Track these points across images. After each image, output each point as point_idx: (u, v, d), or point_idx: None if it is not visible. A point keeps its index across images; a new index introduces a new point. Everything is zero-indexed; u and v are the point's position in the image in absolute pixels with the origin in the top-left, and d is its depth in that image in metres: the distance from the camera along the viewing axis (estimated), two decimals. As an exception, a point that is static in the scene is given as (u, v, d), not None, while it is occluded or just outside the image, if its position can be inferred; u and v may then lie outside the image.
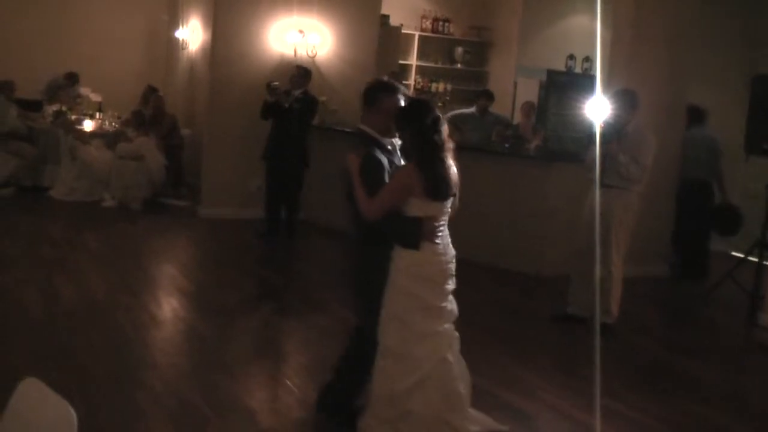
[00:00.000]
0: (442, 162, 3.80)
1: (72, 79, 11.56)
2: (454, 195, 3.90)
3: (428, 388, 3.84)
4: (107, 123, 11.28)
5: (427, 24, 12.88)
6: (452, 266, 3.95)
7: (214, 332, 5.83)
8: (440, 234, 3.86)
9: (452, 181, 3.84)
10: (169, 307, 6.48)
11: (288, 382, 4.98)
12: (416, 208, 3.78)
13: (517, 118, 10.71)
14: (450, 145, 3.87)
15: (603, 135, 6.20)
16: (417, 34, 12.79)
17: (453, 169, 3.86)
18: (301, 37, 9.88)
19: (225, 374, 4.99)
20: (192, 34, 11.99)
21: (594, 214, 6.36)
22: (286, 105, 8.55)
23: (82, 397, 4.33)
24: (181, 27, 12.49)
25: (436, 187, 3.76)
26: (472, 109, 10.16)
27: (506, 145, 9.29)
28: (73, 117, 11.10)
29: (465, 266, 8.15)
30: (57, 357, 5.00)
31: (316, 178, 9.30)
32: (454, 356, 3.96)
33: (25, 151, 10.54)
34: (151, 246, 8.58)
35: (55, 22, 12.27)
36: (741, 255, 8.01)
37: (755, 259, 7.55)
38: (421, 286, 3.84)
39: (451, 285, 3.97)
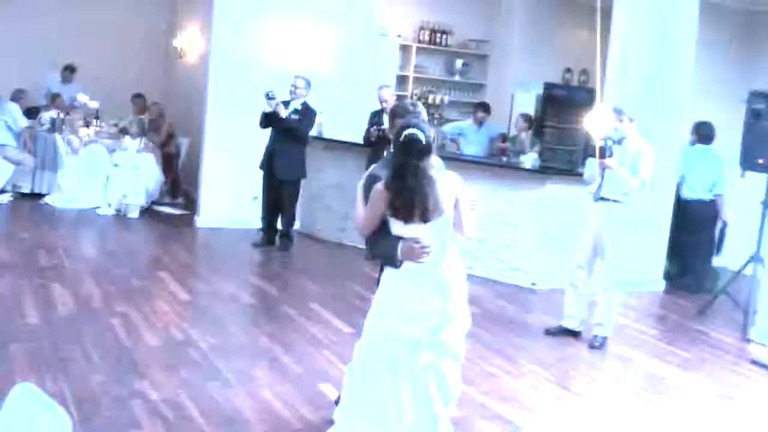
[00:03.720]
0: (410, 183, 3.61)
1: (69, 70, 11.62)
2: (437, 216, 3.67)
3: (366, 392, 3.76)
4: (104, 130, 11.29)
5: (425, 36, 12.92)
6: (426, 289, 3.72)
7: (209, 341, 5.82)
8: (425, 255, 3.69)
9: (429, 204, 3.63)
10: (165, 316, 6.47)
11: (283, 394, 4.98)
12: (395, 227, 3.71)
13: (514, 131, 10.74)
14: (432, 161, 3.72)
15: (602, 149, 6.22)
16: (415, 45, 12.83)
17: (435, 189, 3.66)
18: (299, 47, 9.90)
19: (220, 383, 4.99)
20: (190, 42, 12.01)
21: (592, 228, 6.38)
22: (283, 115, 8.56)
23: (77, 404, 4.33)
24: (179, 35, 12.52)
25: (399, 210, 3.65)
26: (469, 121, 10.19)
27: (502, 158, 9.32)
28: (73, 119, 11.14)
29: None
30: (52, 363, 4.99)
31: (313, 189, 9.32)
32: (395, 385, 3.70)
33: (23, 157, 10.56)
34: (147, 254, 8.58)
35: (52, 29, 12.28)
36: (735, 269, 8.02)
37: (749, 274, 7.56)
38: (390, 309, 3.75)
39: (418, 308, 3.73)
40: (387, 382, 3.73)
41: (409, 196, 3.62)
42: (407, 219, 3.66)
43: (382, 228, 3.77)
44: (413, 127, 3.66)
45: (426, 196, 3.62)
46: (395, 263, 3.74)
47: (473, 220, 3.85)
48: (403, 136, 3.66)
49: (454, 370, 3.84)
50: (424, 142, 3.64)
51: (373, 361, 3.78)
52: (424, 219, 3.65)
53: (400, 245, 3.69)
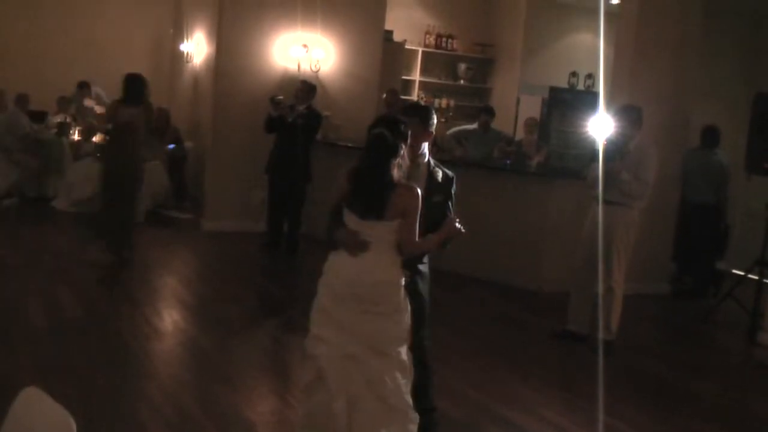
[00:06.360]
0: (365, 178, 3.71)
1: (83, 87, 11.68)
2: (381, 219, 3.67)
3: (315, 392, 3.74)
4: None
5: (431, 40, 12.94)
6: (353, 291, 3.68)
7: (214, 344, 5.84)
8: (359, 249, 3.70)
9: (374, 204, 3.67)
10: (170, 318, 6.49)
11: (287, 396, 4.99)
12: (345, 214, 3.79)
13: (520, 135, 10.74)
14: (403, 161, 3.71)
15: (606, 152, 6.21)
16: (420, 49, 12.85)
17: (387, 193, 3.65)
18: (305, 52, 9.92)
19: (225, 386, 5.00)
20: (196, 47, 12.05)
21: (595, 231, 6.37)
22: (290, 119, 8.58)
23: (83, 406, 4.33)
24: (185, 40, 12.56)
25: (349, 199, 3.75)
26: (474, 125, 10.19)
27: (508, 162, 9.32)
28: (78, 129, 11.17)
29: (466, 282, 8.27)
30: (58, 366, 5.02)
31: (319, 193, 9.33)
32: (336, 382, 3.66)
33: (28, 161, 10.60)
34: (153, 258, 8.58)
35: (61, 34, 12.34)
36: (741, 273, 8.01)
37: (755, 278, 7.55)
38: (323, 288, 3.79)
39: (348, 308, 3.69)
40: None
41: (359, 190, 3.73)
42: (353, 209, 3.75)
43: (339, 213, 3.84)
44: (383, 126, 3.71)
45: (373, 195, 3.70)
46: (333, 243, 3.83)
47: (413, 241, 3.72)
48: (372, 134, 3.75)
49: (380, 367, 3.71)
50: (389, 143, 3.68)
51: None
52: (367, 216, 3.71)
53: (341, 230, 3.77)
